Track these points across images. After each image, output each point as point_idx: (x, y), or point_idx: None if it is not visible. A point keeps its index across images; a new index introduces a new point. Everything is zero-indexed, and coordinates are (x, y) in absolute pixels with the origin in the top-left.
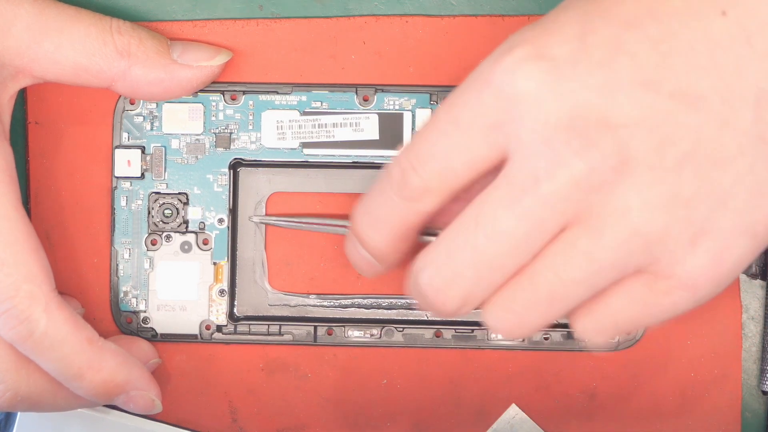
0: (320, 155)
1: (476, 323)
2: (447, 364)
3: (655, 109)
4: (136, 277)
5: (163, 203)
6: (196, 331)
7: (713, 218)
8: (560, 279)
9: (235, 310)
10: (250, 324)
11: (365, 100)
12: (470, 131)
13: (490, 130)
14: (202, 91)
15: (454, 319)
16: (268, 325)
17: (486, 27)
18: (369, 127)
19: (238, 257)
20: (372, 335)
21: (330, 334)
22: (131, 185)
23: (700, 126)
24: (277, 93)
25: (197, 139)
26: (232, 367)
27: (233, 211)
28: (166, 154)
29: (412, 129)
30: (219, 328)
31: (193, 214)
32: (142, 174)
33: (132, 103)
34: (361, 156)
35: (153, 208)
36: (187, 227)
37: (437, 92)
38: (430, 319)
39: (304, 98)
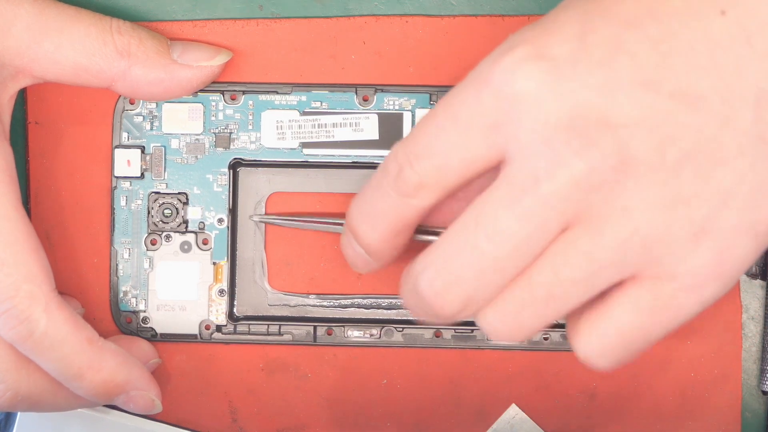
0: (320, 155)
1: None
2: (447, 364)
3: (655, 109)
4: (135, 277)
5: (163, 203)
6: (195, 331)
7: (714, 217)
8: (558, 278)
9: (234, 310)
10: (249, 324)
11: (365, 100)
12: (468, 130)
13: (489, 130)
14: (202, 91)
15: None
16: (268, 325)
17: (486, 27)
18: (369, 127)
19: (238, 257)
20: (372, 335)
21: (330, 334)
22: (131, 185)
23: (700, 126)
24: (277, 93)
25: (197, 139)
26: (232, 367)
27: (233, 211)
28: (165, 154)
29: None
30: (219, 328)
31: (193, 214)
32: (142, 174)
33: (132, 103)
34: (360, 156)
35: (153, 208)
36: (186, 227)
37: (437, 92)
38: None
39: (303, 98)
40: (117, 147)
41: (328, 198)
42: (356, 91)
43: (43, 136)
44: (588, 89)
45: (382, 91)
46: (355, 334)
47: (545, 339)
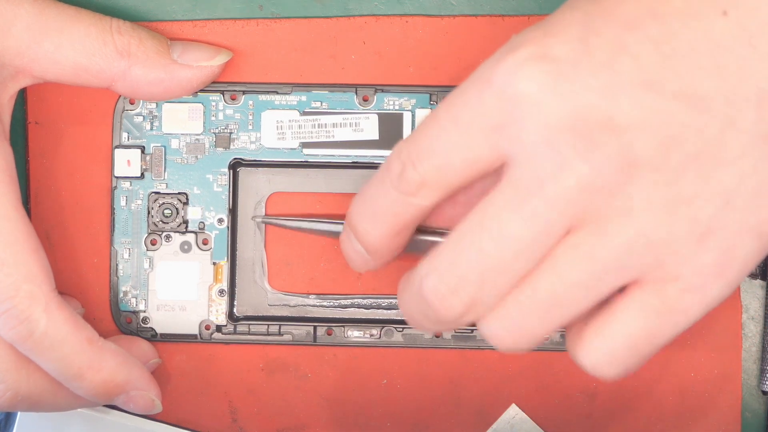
0: (320, 155)
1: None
2: (447, 364)
3: (658, 110)
4: (135, 277)
5: (163, 203)
6: (195, 331)
7: (718, 218)
8: (563, 282)
9: (234, 310)
10: (249, 324)
11: (365, 100)
12: (470, 131)
13: (491, 131)
14: (202, 91)
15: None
16: (268, 325)
17: (486, 27)
18: (369, 127)
19: (238, 257)
20: (372, 335)
21: (330, 334)
22: (131, 185)
23: (703, 127)
24: (277, 93)
25: (197, 139)
26: (232, 367)
27: (233, 211)
28: (165, 154)
29: (412, 129)
30: (219, 328)
31: (193, 214)
32: (142, 174)
33: (132, 103)
34: (360, 156)
35: (153, 208)
36: (186, 227)
37: (437, 92)
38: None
39: (303, 98)
40: (117, 147)
41: (328, 198)
42: (356, 91)
43: (43, 136)
44: (590, 91)
45: (382, 91)
46: (355, 334)
47: (545, 339)
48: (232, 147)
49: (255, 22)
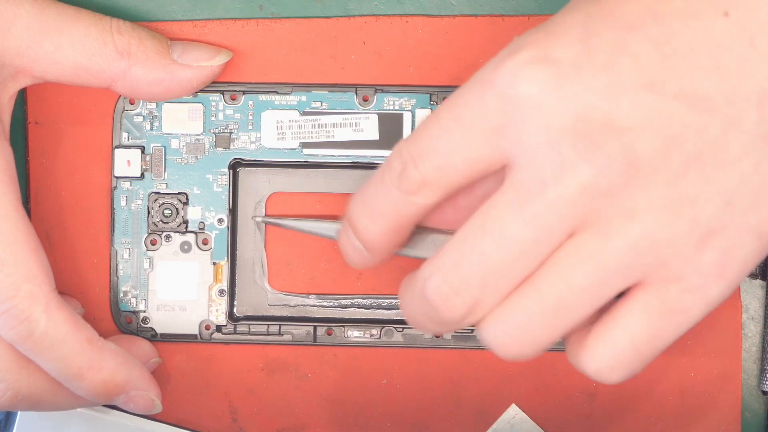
0: (320, 155)
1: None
2: (447, 364)
3: (660, 111)
4: (135, 277)
5: (163, 203)
6: (195, 331)
7: (719, 218)
8: (567, 285)
9: (234, 310)
10: (249, 324)
11: (365, 100)
12: (472, 132)
13: (493, 133)
14: (202, 91)
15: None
16: (268, 325)
17: (486, 27)
18: (369, 127)
19: (238, 257)
20: (372, 335)
21: (330, 334)
22: (131, 185)
23: (704, 127)
24: (277, 93)
25: (197, 139)
26: (232, 367)
27: (233, 211)
28: (165, 154)
29: (412, 129)
30: (219, 328)
31: (193, 214)
32: (142, 174)
33: (132, 103)
34: (360, 156)
35: (153, 208)
36: (186, 227)
37: (437, 92)
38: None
39: (303, 98)
40: (117, 147)
41: (328, 198)
42: (356, 91)
43: (43, 136)
44: (592, 92)
45: (382, 91)
46: (355, 334)
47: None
48: (232, 147)
49: (255, 22)
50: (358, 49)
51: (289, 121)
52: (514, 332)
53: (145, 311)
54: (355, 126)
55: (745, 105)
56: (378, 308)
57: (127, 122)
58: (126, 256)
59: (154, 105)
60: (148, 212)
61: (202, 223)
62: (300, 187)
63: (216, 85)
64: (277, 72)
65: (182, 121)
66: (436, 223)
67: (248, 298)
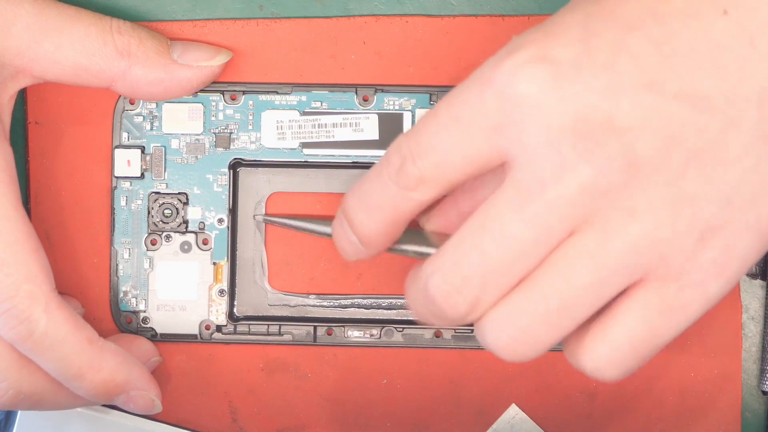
0: (320, 155)
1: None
2: (447, 364)
3: (660, 111)
4: (135, 277)
5: (163, 203)
6: (195, 331)
7: (719, 217)
8: (569, 285)
9: (234, 310)
10: (249, 324)
11: (365, 100)
12: (471, 130)
13: (492, 131)
14: (202, 91)
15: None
16: (268, 325)
17: (486, 27)
18: (369, 127)
19: (238, 257)
20: (372, 335)
21: (330, 334)
22: (131, 185)
23: (704, 126)
24: (277, 93)
25: (197, 139)
26: (232, 367)
27: (233, 211)
28: (165, 154)
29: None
30: (219, 328)
31: (193, 214)
32: (142, 174)
33: (132, 103)
34: (360, 156)
35: (153, 208)
36: (186, 227)
37: (437, 92)
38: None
39: (304, 98)
40: (117, 147)
41: (328, 198)
42: (356, 91)
43: (43, 136)
44: (592, 92)
45: (382, 91)
46: (355, 334)
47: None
48: (232, 147)
49: (255, 22)
50: (358, 49)
51: (289, 121)
52: (515, 334)
53: (145, 311)
54: (355, 126)
55: (745, 105)
56: (378, 308)
57: (127, 122)
58: (126, 256)
59: (154, 105)
60: (148, 212)
61: (202, 223)
62: (300, 187)
63: (216, 85)
64: (277, 72)
65: (182, 121)
66: (439, 227)
67: (248, 298)
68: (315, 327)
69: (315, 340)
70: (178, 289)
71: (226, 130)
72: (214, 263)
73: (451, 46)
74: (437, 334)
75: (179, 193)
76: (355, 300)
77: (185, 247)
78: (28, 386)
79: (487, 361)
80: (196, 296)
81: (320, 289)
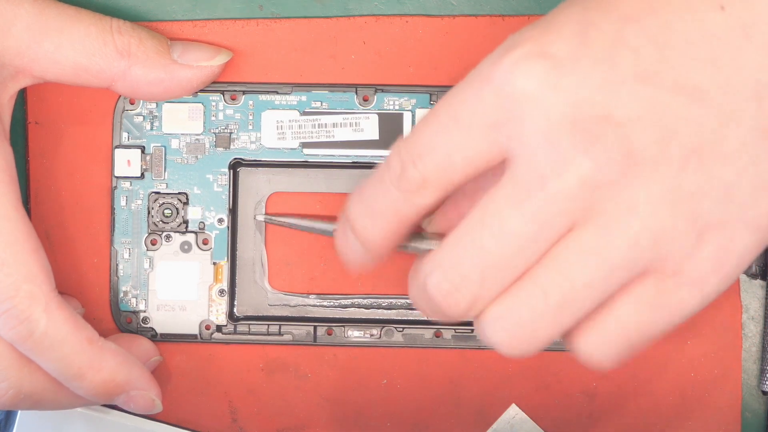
0: (320, 155)
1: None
2: (447, 364)
3: (657, 103)
4: (135, 277)
5: (163, 203)
6: (195, 331)
7: (717, 212)
8: (570, 282)
9: (234, 310)
10: (249, 324)
11: (365, 100)
12: (470, 129)
13: (491, 129)
14: (202, 91)
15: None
16: (268, 325)
17: (486, 27)
18: (369, 127)
19: (238, 257)
20: (372, 335)
21: (330, 334)
22: (131, 185)
23: (702, 119)
24: (277, 93)
25: (197, 139)
26: (232, 367)
27: (233, 211)
28: (166, 154)
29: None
30: (219, 328)
31: (193, 214)
32: (142, 174)
33: (132, 103)
34: (361, 156)
35: (153, 208)
36: (186, 227)
37: (437, 92)
38: (430, 319)
39: (304, 98)
40: (117, 147)
41: (328, 198)
42: (356, 91)
43: (43, 136)
44: (590, 86)
45: (382, 91)
46: (355, 334)
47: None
48: (232, 147)
49: (255, 22)
50: (358, 49)
51: (289, 121)
52: (515, 330)
53: (145, 311)
54: (355, 126)
55: (742, 97)
56: (378, 308)
57: (127, 122)
58: (126, 256)
59: (154, 105)
60: (148, 212)
61: (202, 223)
62: (300, 187)
63: (216, 85)
64: (277, 72)
65: (182, 121)
66: (441, 229)
67: (248, 298)
68: (315, 327)
69: (315, 340)
70: (178, 289)
71: (226, 130)
72: (214, 263)
73: (451, 46)
74: (437, 334)
75: (179, 193)
76: (355, 300)
77: (185, 247)
78: (28, 386)
79: (487, 361)
80: (196, 296)
81: (320, 289)
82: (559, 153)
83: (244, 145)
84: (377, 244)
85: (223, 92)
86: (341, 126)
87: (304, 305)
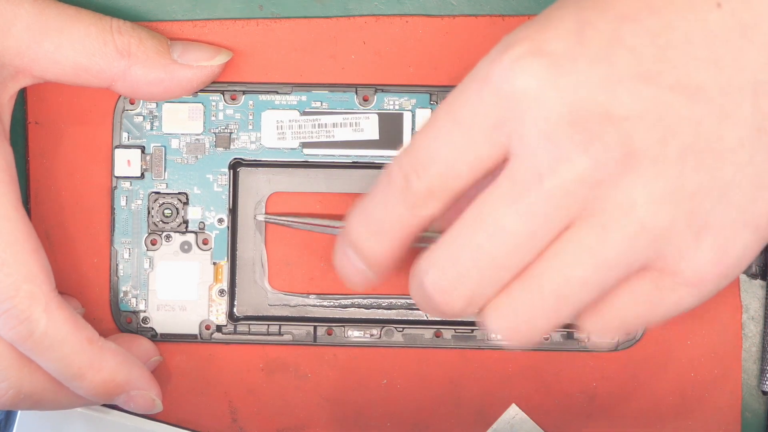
0: (320, 155)
1: (476, 323)
2: (447, 364)
3: (656, 102)
4: (135, 276)
5: (163, 203)
6: (195, 331)
7: (716, 212)
8: (567, 279)
9: (234, 310)
10: (249, 324)
11: (365, 100)
12: (471, 131)
13: (492, 130)
14: (202, 90)
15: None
16: (268, 325)
17: (486, 27)
18: (369, 127)
19: (238, 257)
20: (372, 335)
21: (330, 334)
22: (131, 185)
23: (700, 118)
24: (277, 93)
25: (197, 139)
26: (232, 367)
27: (233, 211)
28: (166, 154)
29: (412, 129)
30: (219, 328)
31: (193, 214)
32: (142, 174)
33: (132, 103)
34: (361, 156)
35: (153, 208)
36: (186, 227)
37: (437, 92)
38: (429, 319)
39: (304, 98)
40: (117, 147)
41: (328, 198)
42: (356, 91)
43: (43, 136)
44: (588, 84)
45: (382, 91)
46: (355, 334)
47: (545, 339)
48: (232, 147)
49: (255, 22)
50: (358, 49)
51: (289, 121)
52: (516, 322)
53: (145, 311)
54: (355, 126)
55: (740, 96)
56: (378, 308)
57: (127, 122)
58: (126, 256)
59: (154, 105)
60: (148, 212)
61: (202, 223)
62: (300, 187)
63: (216, 85)
64: (277, 72)
65: (182, 121)
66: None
67: (248, 298)
68: (315, 327)
69: (315, 340)
70: (178, 289)
71: (226, 130)
72: (214, 263)
73: (451, 46)
74: (437, 334)
75: (179, 193)
76: (355, 300)
77: (185, 247)
78: (28, 386)
79: (487, 361)
80: (196, 296)
81: (320, 289)
82: (557, 150)
83: (244, 145)
84: (384, 262)
85: (223, 92)
86: (341, 126)
87: (304, 305)
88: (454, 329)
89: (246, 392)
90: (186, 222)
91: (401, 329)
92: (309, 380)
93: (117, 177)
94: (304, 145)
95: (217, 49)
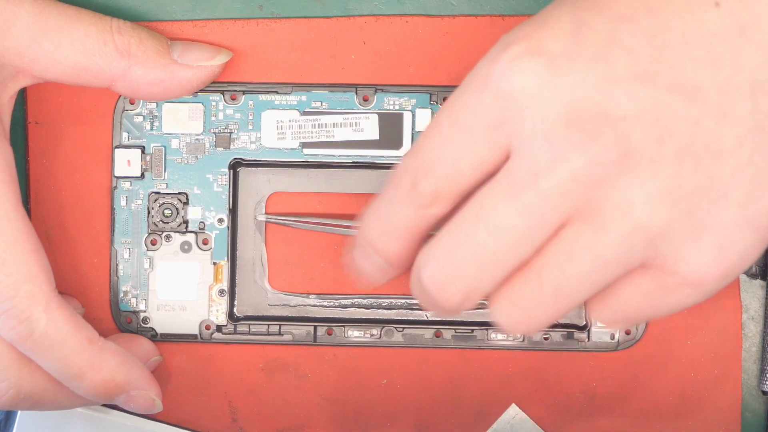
0: (320, 155)
1: (476, 323)
2: (447, 364)
3: (654, 102)
4: (135, 276)
5: (163, 203)
6: (195, 331)
7: (715, 212)
8: (565, 275)
9: (234, 310)
10: (250, 324)
11: (365, 100)
12: (473, 133)
13: (492, 130)
14: (202, 91)
15: (454, 318)
16: (268, 325)
17: (486, 27)
18: (369, 127)
19: (238, 257)
20: (372, 335)
21: (330, 334)
22: (131, 185)
23: (698, 118)
24: (277, 93)
25: (197, 139)
26: (232, 367)
27: (233, 211)
28: (165, 154)
29: (412, 129)
30: (219, 328)
31: (193, 213)
32: (142, 174)
33: (132, 103)
34: (361, 156)
35: (153, 208)
36: (186, 227)
37: (437, 92)
38: (430, 319)
39: (304, 98)
40: (117, 147)
41: (328, 198)
42: (356, 91)
43: (43, 136)
44: (586, 84)
45: (382, 91)
46: (355, 334)
47: (545, 339)
48: (232, 147)
49: (255, 22)
50: (358, 49)
51: (289, 121)
52: (517, 314)
53: (145, 311)
54: (355, 126)
55: (738, 95)
56: (378, 308)
57: (127, 122)
58: (126, 256)
59: (154, 105)
60: (148, 212)
61: (202, 223)
62: (300, 187)
63: (216, 85)
64: (277, 72)
65: (182, 121)
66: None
67: (248, 298)
68: (315, 327)
69: (315, 340)
70: (178, 289)
71: (226, 130)
72: (214, 263)
73: (451, 46)
74: (437, 334)
75: (179, 193)
76: (355, 300)
77: (185, 247)
78: (28, 386)
79: (487, 361)
80: (196, 296)
81: (320, 289)
82: (554, 149)
83: (244, 145)
84: (401, 258)
85: (223, 92)
86: (341, 126)
87: (304, 305)
88: (454, 329)
89: (246, 392)
90: (186, 222)
91: (401, 329)
92: (309, 380)
93: (117, 177)
94: (304, 145)
95: (217, 49)
